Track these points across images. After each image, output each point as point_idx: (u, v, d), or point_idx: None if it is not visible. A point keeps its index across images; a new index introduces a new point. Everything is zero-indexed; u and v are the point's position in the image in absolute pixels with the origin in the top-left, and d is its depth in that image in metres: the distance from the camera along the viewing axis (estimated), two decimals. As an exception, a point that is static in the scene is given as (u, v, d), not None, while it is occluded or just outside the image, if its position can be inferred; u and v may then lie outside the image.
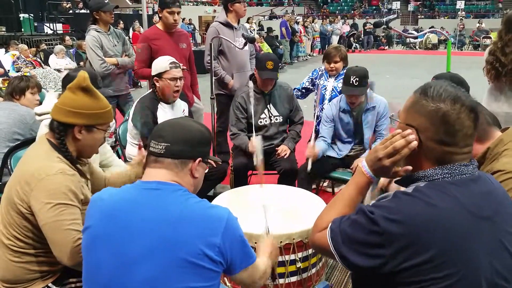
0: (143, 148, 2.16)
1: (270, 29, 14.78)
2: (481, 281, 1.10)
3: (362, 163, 1.30)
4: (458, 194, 1.13)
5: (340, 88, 3.45)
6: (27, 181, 1.56)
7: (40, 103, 3.56)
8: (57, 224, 1.53)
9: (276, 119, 3.32)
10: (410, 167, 1.22)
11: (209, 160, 1.45)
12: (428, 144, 1.17)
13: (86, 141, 1.69)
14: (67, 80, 2.57)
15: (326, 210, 1.35)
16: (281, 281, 2.10)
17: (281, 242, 2.02)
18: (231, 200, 2.43)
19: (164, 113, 2.90)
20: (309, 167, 2.98)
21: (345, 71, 3.23)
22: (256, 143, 2.43)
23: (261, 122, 3.28)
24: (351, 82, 2.99)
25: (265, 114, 3.29)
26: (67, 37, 11.40)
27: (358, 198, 1.31)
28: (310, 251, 2.12)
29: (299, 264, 2.09)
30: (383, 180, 1.78)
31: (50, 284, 1.68)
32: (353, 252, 1.16)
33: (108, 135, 1.83)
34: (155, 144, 1.34)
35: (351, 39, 19.45)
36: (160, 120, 2.85)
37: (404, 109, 1.24)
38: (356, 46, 19.62)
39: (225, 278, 2.12)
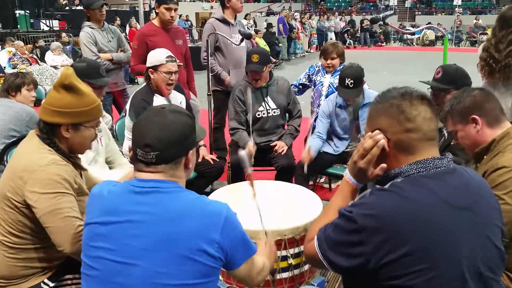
0: None
1: (270, 25, 14.65)
2: (463, 273, 1.11)
3: (345, 172, 1.36)
4: (433, 187, 1.15)
5: (337, 84, 3.46)
6: (20, 175, 1.55)
7: (38, 100, 3.56)
8: (56, 212, 1.53)
9: (274, 112, 3.30)
10: (384, 165, 1.25)
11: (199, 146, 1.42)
12: (395, 138, 1.22)
13: (74, 139, 1.67)
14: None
15: (317, 221, 1.38)
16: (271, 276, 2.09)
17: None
18: (228, 196, 2.43)
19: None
20: (305, 169, 2.99)
21: (340, 69, 3.23)
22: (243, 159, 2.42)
23: (258, 115, 3.27)
24: (346, 84, 2.98)
25: (263, 107, 3.27)
26: (64, 34, 11.35)
27: (345, 206, 1.32)
28: (302, 247, 2.11)
29: (290, 261, 2.08)
30: None
31: (46, 280, 1.68)
32: (338, 255, 1.18)
33: (99, 131, 1.79)
34: (143, 153, 1.27)
35: (345, 35, 19.42)
36: None
37: (366, 122, 1.34)
38: (350, 42, 19.57)
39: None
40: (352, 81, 2.96)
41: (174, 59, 2.85)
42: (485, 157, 1.71)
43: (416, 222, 1.10)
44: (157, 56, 2.82)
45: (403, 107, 1.21)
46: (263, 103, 3.27)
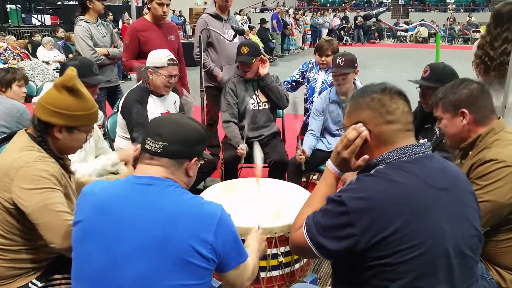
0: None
1: (263, 21, 14.60)
2: (448, 250, 1.16)
3: (328, 161, 1.43)
4: (414, 170, 1.22)
5: (330, 81, 3.46)
6: (6, 173, 1.52)
7: (29, 96, 3.52)
8: (47, 208, 1.50)
9: (265, 105, 3.32)
10: (367, 156, 1.32)
11: (203, 157, 1.44)
12: (376, 130, 1.30)
13: (65, 141, 1.64)
14: (64, 70, 2.52)
15: (302, 210, 1.42)
16: (262, 274, 2.08)
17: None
18: (221, 193, 2.42)
19: (155, 105, 2.86)
20: (303, 167, 3.05)
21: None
22: (256, 153, 2.44)
23: (249, 107, 3.29)
24: (337, 63, 3.05)
25: (254, 99, 3.29)
26: (60, 29, 11.16)
27: (329, 194, 1.36)
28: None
29: (281, 259, 2.08)
30: None
31: (34, 280, 1.66)
32: (327, 239, 1.22)
33: (91, 136, 1.76)
34: (152, 142, 1.32)
35: (342, 32, 19.44)
36: (150, 113, 2.82)
37: (346, 115, 1.39)
38: (347, 39, 19.62)
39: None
40: (343, 59, 3.03)
41: (175, 62, 2.81)
42: (470, 152, 1.75)
43: (400, 202, 1.16)
44: (159, 57, 2.77)
45: (384, 101, 1.29)
46: (254, 96, 3.27)
